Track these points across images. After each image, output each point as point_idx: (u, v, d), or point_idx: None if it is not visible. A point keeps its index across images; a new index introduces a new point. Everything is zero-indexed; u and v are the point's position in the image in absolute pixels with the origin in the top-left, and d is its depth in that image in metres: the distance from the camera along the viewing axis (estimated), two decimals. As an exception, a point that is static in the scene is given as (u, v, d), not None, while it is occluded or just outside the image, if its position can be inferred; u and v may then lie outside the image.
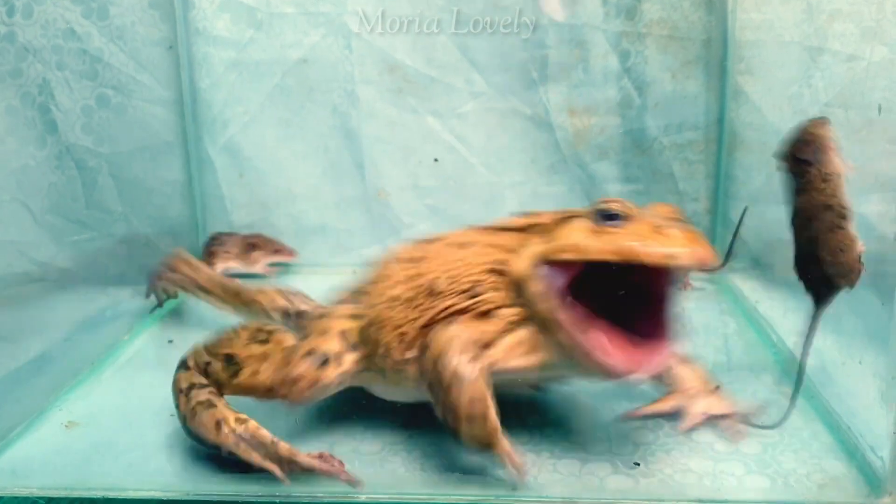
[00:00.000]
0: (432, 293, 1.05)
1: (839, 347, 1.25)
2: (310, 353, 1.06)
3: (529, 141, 1.74)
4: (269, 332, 1.10)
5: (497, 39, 1.69)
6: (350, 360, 1.08)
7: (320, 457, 1.01)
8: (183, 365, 1.10)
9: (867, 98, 1.32)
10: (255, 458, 1.00)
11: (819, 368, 1.24)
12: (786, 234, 1.48)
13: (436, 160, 1.76)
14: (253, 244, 1.75)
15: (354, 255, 1.76)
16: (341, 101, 1.74)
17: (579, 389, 1.21)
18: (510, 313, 1.01)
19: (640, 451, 1.06)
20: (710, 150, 1.68)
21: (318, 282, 1.73)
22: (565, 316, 0.96)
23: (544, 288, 0.97)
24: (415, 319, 1.04)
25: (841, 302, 1.30)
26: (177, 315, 1.57)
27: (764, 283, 1.53)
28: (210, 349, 1.10)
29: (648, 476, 1.01)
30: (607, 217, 0.95)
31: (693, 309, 1.48)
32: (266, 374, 1.05)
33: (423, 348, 1.00)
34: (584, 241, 0.95)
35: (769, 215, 1.53)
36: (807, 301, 1.38)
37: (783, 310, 1.42)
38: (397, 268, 1.10)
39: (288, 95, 1.74)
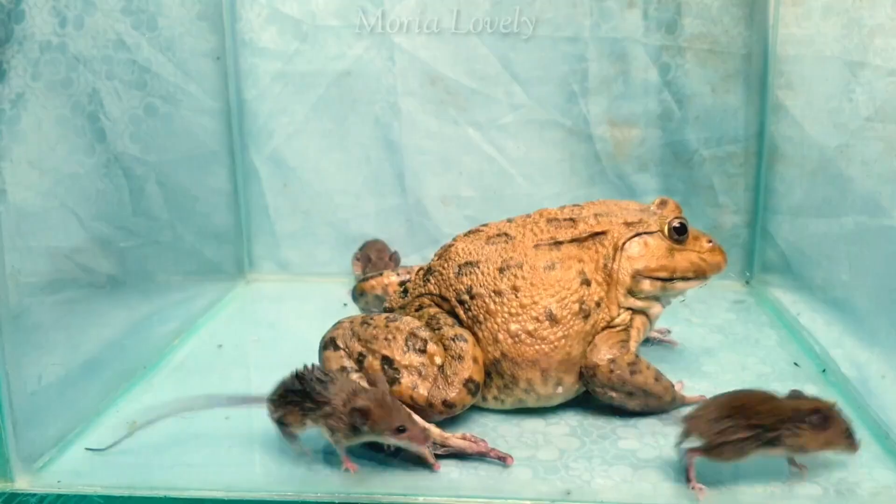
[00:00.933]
0: (554, 321, 1.16)
1: (883, 360, 1.26)
2: (468, 381, 1.14)
3: (569, 152, 1.76)
4: (424, 342, 1.16)
5: (537, 51, 1.70)
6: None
7: (464, 438, 1.10)
8: (331, 344, 1.18)
9: (908, 113, 1.33)
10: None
11: (862, 380, 1.26)
12: (826, 248, 1.50)
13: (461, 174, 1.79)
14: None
15: (394, 263, 1.79)
16: (383, 113, 1.76)
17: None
18: (622, 319, 1.21)
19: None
20: (750, 163, 1.69)
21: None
22: (679, 284, 1.24)
23: (651, 286, 1.22)
24: (549, 354, 1.16)
25: (881, 315, 1.32)
26: (225, 320, 1.59)
27: (805, 296, 1.54)
28: (366, 342, 1.16)
29: (699, 483, 1.02)
30: (679, 232, 1.23)
31: (735, 321, 1.50)
32: (423, 391, 1.13)
33: (591, 374, 1.17)
34: (671, 261, 1.22)
35: (810, 229, 1.54)
36: (848, 312, 1.40)
37: (825, 322, 1.43)
38: (502, 303, 1.18)
39: (331, 107, 1.75)
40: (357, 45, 1.72)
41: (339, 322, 1.22)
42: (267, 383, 1.32)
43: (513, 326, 1.16)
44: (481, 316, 1.18)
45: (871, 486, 1.01)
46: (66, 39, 1.28)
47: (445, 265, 1.25)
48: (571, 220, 1.25)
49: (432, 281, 1.25)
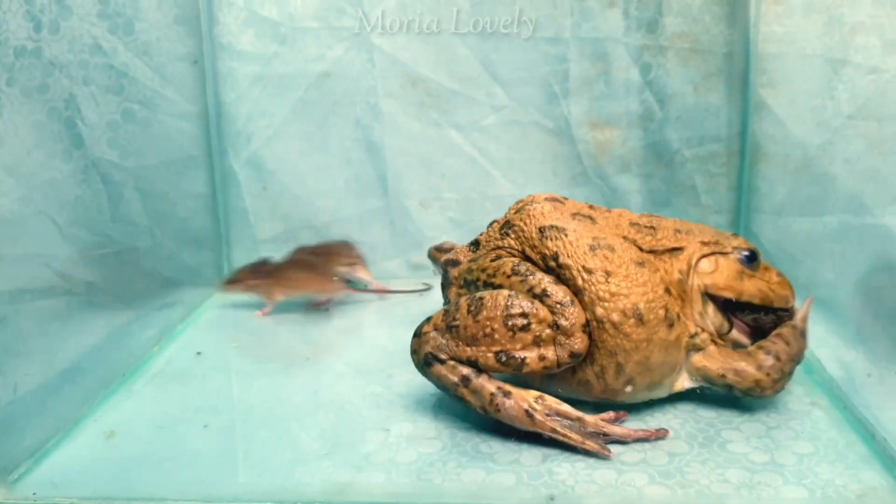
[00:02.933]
0: (640, 322, 1.14)
1: (868, 359, 1.26)
2: (584, 325, 1.12)
3: (551, 153, 1.75)
4: (523, 315, 1.12)
5: (518, 52, 1.70)
6: None
7: (616, 419, 1.14)
8: (435, 360, 1.15)
9: (890, 110, 1.33)
10: (576, 438, 1.09)
11: (848, 379, 1.25)
12: (809, 247, 1.49)
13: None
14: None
15: (377, 267, 1.77)
16: (364, 115, 1.75)
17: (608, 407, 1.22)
18: (703, 339, 1.20)
19: (675, 461, 1.06)
20: (733, 162, 1.69)
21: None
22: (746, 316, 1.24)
23: (715, 314, 1.22)
24: (629, 352, 1.14)
25: (866, 313, 1.31)
26: (204, 327, 1.58)
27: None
28: (469, 345, 1.13)
29: (686, 487, 1.01)
30: (750, 259, 1.23)
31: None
32: (551, 356, 1.12)
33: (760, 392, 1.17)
34: (739, 284, 1.22)
35: (793, 228, 1.53)
36: (833, 311, 1.39)
37: (811, 322, 1.42)
38: (591, 282, 1.15)
39: (311, 109, 1.74)
40: (337, 46, 1.71)
41: (420, 333, 1.17)
42: (248, 390, 1.32)
43: (598, 311, 1.13)
44: (569, 287, 1.16)
45: (858, 488, 1.00)
46: (41, 44, 1.27)
47: (527, 222, 1.22)
48: (652, 227, 1.24)
49: (512, 236, 1.23)
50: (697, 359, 1.18)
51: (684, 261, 1.20)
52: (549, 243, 1.17)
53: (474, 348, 1.13)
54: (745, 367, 1.16)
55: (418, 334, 1.17)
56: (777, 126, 1.57)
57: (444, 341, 1.15)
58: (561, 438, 1.09)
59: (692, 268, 1.20)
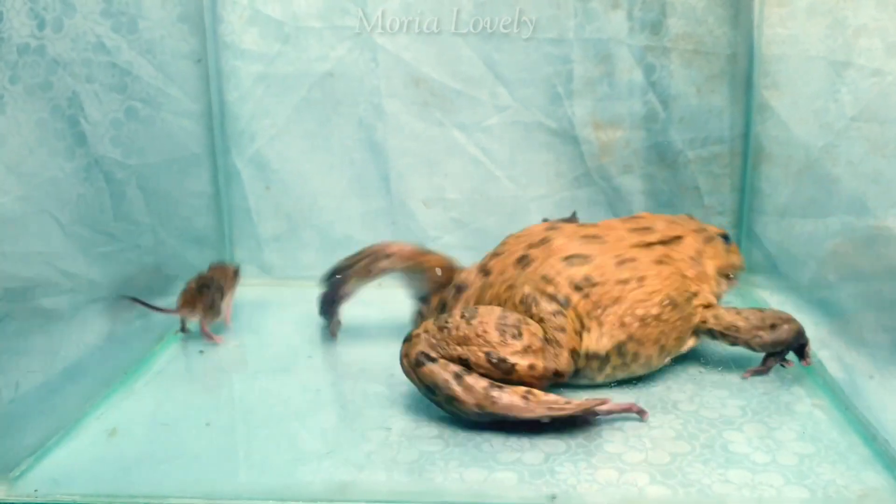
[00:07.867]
0: (675, 307, 1.28)
1: (870, 361, 1.26)
2: (573, 351, 1.22)
3: (554, 154, 1.75)
4: (516, 327, 1.18)
5: (522, 53, 1.69)
6: None
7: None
8: (427, 359, 1.16)
9: (892, 113, 1.33)
10: (570, 408, 1.13)
11: (850, 381, 1.25)
12: (812, 248, 1.50)
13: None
14: None
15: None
16: (367, 114, 1.74)
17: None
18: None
19: (677, 461, 1.06)
20: (736, 163, 1.69)
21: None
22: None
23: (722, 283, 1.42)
24: (668, 332, 1.28)
25: (868, 315, 1.32)
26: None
27: (792, 297, 1.53)
28: (461, 344, 1.16)
29: (687, 486, 1.01)
30: (728, 239, 1.45)
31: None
32: (539, 365, 1.17)
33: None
34: (739, 260, 1.47)
35: (796, 229, 1.54)
36: (835, 312, 1.40)
37: (812, 323, 1.42)
38: (630, 290, 1.27)
39: (314, 108, 1.74)
40: (340, 46, 1.71)
41: (412, 335, 1.21)
42: (250, 389, 1.32)
43: (639, 311, 1.25)
44: (605, 301, 1.25)
45: (860, 489, 1.00)
46: (44, 42, 1.27)
47: (549, 254, 1.29)
48: (647, 228, 1.37)
49: (532, 267, 1.29)
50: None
51: (692, 248, 1.38)
52: (578, 269, 1.28)
53: (465, 347, 1.15)
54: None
55: (409, 339, 1.20)
56: (780, 128, 1.57)
57: (435, 341, 1.17)
58: (557, 413, 1.11)
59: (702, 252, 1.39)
